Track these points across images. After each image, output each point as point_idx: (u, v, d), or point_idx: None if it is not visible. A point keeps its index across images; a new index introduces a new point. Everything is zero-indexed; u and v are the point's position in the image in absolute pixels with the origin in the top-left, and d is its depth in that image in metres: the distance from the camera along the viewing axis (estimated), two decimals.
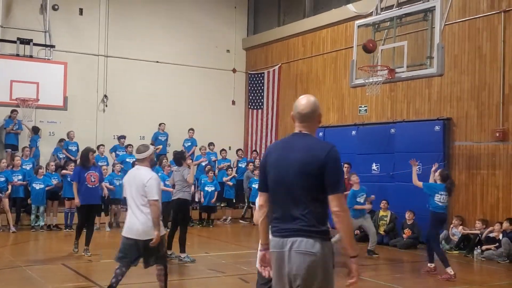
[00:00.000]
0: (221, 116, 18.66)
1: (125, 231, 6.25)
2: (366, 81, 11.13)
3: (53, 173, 13.97)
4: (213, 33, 18.80)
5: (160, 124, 17.27)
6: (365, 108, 14.66)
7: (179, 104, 17.94)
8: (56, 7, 16.12)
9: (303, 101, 3.60)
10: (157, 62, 17.82)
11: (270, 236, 3.56)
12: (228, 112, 19.02)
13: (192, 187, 11.51)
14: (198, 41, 18.47)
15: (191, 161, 10.77)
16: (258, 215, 3.80)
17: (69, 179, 12.73)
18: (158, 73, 17.79)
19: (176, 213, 9.70)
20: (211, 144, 17.33)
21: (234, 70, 19.38)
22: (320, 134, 15.44)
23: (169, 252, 9.22)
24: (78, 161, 11.86)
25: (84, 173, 9.87)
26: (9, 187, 13.24)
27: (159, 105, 17.56)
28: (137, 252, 6.17)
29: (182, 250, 9.41)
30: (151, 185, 6.13)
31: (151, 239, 6.06)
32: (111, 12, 17.23)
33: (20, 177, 13.53)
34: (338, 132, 15.00)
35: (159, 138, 17.23)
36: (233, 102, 19.25)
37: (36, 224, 13.37)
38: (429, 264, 8.94)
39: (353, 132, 14.58)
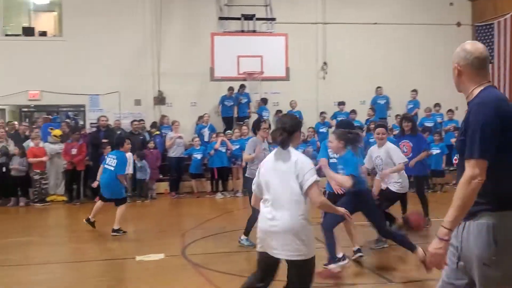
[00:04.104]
0: (446, 74, 17.21)
1: None
2: None
3: None
4: None
5: (377, 88, 16.96)
6: None
7: (398, 66, 17.32)
8: None
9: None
10: (375, 23, 17.37)
11: None
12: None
13: None
14: None
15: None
16: None
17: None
18: (376, 35, 17.35)
19: None
20: (436, 105, 16.47)
21: (458, 24, 18.00)
22: None
23: None
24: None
25: None
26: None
27: (378, 68, 17.18)
28: None
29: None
30: None
31: None
32: None
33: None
34: None
35: (378, 101, 16.95)
36: None
37: None
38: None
39: None
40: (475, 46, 3.09)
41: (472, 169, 2.84)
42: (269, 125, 8.32)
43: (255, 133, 8.30)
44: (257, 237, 4.30)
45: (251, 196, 7.24)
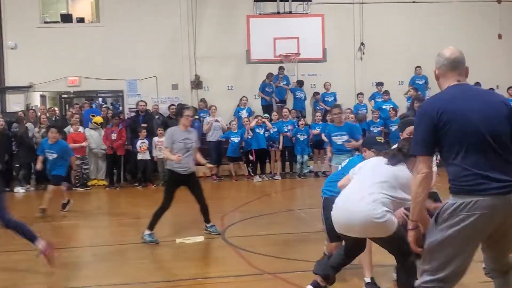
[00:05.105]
0: (486, 53, 16.99)
1: None
2: None
3: (320, 122, 14.52)
4: None
5: (416, 68, 16.64)
6: None
7: (437, 44, 16.63)
8: None
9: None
10: (413, 2, 16.98)
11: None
12: (494, 47, 17.24)
13: None
14: None
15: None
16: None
17: None
18: (414, 13, 16.96)
19: None
20: (476, 83, 15.95)
21: (499, 1, 17.42)
22: None
23: None
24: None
25: None
26: (281, 137, 14.22)
27: (416, 47, 16.78)
28: None
29: None
30: None
31: None
32: None
33: (289, 127, 14.39)
34: None
35: (417, 82, 16.65)
36: (500, 36, 17.36)
37: (301, 172, 14.17)
38: None
39: None
40: (449, 50, 3.38)
41: (417, 164, 3.29)
42: (193, 113, 8.03)
43: (177, 121, 7.71)
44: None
45: (167, 190, 7.31)
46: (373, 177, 4.33)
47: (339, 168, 5.52)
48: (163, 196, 7.43)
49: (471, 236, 3.16)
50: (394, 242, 4.27)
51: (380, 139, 5.72)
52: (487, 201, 3.07)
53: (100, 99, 17.88)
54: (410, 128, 4.88)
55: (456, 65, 3.33)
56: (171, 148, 7.34)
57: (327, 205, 4.92)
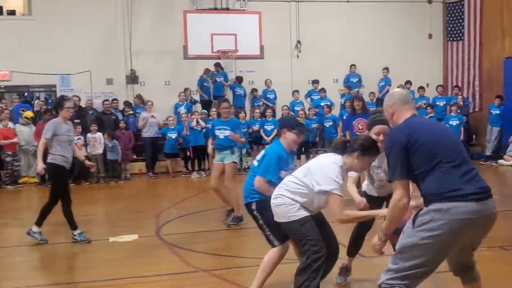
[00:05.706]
0: (417, 52, 17.62)
1: None
2: None
3: (258, 119, 14.71)
4: None
5: (351, 66, 17.07)
6: None
7: (371, 43, 17.35)
8: None
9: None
10: (348, 1, 17.36)
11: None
12: (425, 46, 17.89)
13: None
14: None
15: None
16: None
17: None
18: (349, 12, 17.29)
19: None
20: (407, 82, 16.59)
21: (429, 1, 18.08)
22: None
23: None
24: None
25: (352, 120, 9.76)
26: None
27: (351, 46, 17.17)
28: None
29: None
30: None
31: None
32: None
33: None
34: None
35: (351, 80, 17.06)
36: (430, 36, 18.05)
37: (241, 167, 14.25)
38: None
39: None
40: (398, 89, 3.92)
41: (397, 191, 3.40)
42: (74, 105, 7.86)
43: (57, 113, 7.40)
44: None
45: (61, 186, 7.12)
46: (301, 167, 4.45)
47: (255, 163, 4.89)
48: (59, 195, 7.14)
49: (450, 241, 3.28)
50: (289, 233, 4.39)
51: (300, 119, 5.48)
52: (469, 206, 3.21)
53: (26, 93, 17.20)
54: (379, 127, 4.61)
55: (409, 100, 3.75)
56: (48, 141, 7.00)
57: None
